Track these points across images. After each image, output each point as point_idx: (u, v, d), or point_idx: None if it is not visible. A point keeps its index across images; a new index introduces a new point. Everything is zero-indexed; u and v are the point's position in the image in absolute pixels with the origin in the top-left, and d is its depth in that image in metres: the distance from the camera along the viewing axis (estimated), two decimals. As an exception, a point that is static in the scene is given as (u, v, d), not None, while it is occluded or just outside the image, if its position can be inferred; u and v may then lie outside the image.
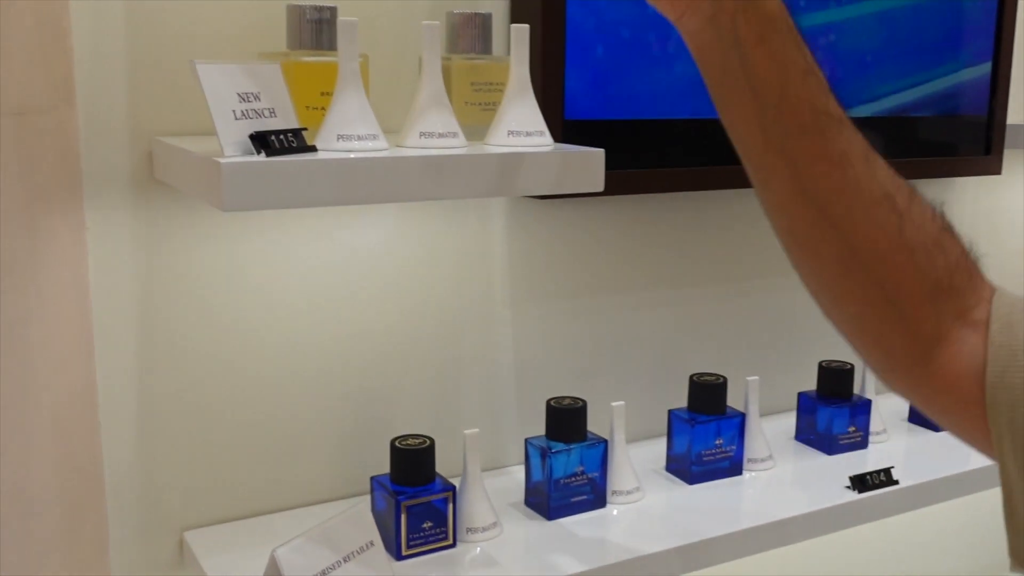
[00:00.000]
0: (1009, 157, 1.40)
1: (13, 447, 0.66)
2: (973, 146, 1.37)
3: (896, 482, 1.14)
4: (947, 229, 0.65)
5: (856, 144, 0.64)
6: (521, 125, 0.85)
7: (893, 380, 0.68)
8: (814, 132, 0.63)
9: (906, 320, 0.64)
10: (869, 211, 0.63)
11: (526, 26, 0.85)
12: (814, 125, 0.63)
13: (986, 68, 1.35)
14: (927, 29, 1.28)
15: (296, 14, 0.84)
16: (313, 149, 0.75)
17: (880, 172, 0.64)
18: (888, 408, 1.33)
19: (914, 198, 0.64)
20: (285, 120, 0.76)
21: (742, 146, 0.67)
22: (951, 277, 0.64)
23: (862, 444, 1.24)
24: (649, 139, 1.11)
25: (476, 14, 0.92)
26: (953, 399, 0.64)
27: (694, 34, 0.66)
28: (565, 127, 1.04)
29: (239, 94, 0.73)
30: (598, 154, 0.85)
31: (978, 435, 0.63)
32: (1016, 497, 0.60)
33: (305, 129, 0.76)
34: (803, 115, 0.63)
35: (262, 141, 0.72)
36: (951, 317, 0.64)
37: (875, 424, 1.26)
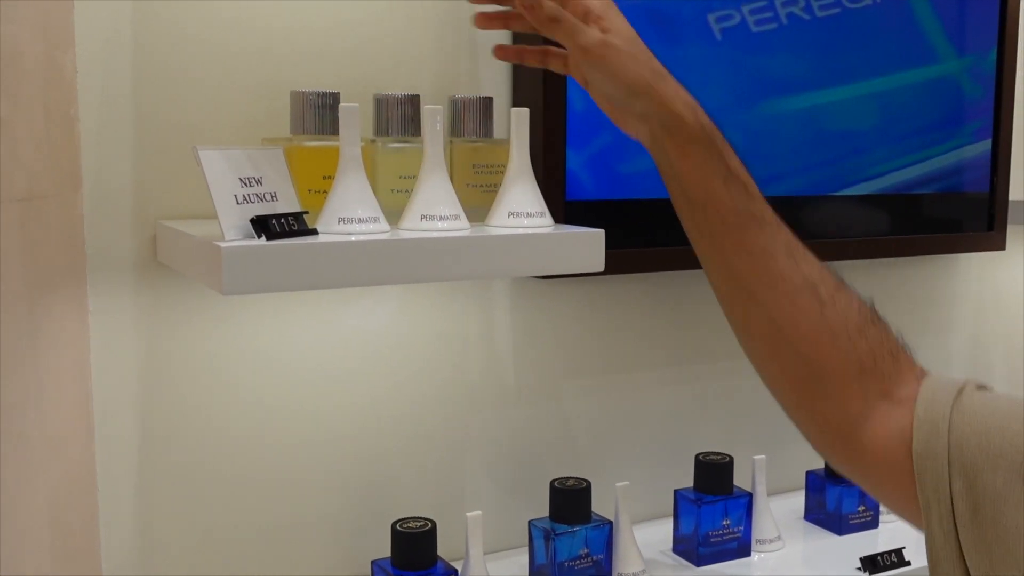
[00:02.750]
0: (1012, 233, 1.40)
1: (9, 533, 0.65)
2: (976, 222, 1.37)
3: (908, 563, 1.12)
4: (872, 320, 0.72)
5: (779, 241, 0.73)
6: (521, 206, 0.85)
7: (832, 455, 0.74)
8: (736, 229, 0.73)
9: (834, 397, 0.71)
10: (792, 297, 0.72)
11: (525, 110, 0.86)
12: (736, 223, 0.73)
13: (987, 145, 1.36)
14: (926, 108, 1.30)
15: (299, 100, 0.86)
16: (314, 232, 0.76)
17: (805, 265, 0.73)
18: (898, 487, 1.31)
19: (841, 290, 0.72)
20: (287, 204, 0.77)
21: (687, 232, 0.77)
22: (875, 360, 0.70)
23: (872, 524, 1.22)
24: (650, 218, 1.11)
25: (478, 98, 0.93)
26: (884, 471, 0.69)
27: (644, 144, 0.79)
28: (567, 208, 1.05)
29: (241, 179, 0.73)
30: (598, 234, 0.85)
31: (910, 507, 0.67)
32: (943, 567, 0.64)
33: (306, 212, 0.77)
34: (726, 214, 0.73)
35: (262, 225, 0.72)
36: (877, 396, 0.70)
37: (885, 503, 1.24)
